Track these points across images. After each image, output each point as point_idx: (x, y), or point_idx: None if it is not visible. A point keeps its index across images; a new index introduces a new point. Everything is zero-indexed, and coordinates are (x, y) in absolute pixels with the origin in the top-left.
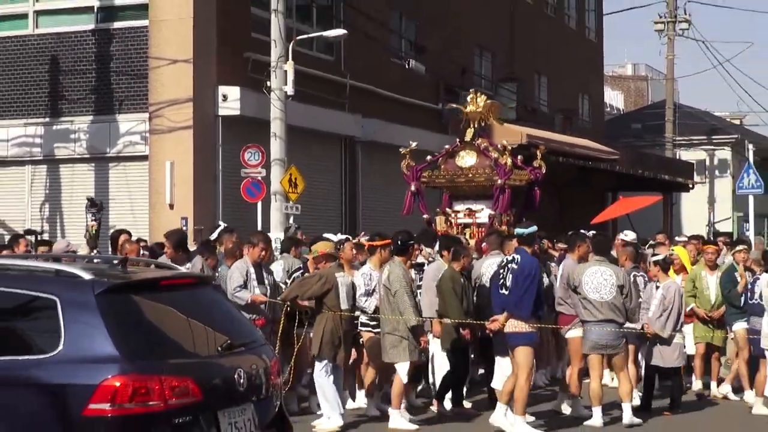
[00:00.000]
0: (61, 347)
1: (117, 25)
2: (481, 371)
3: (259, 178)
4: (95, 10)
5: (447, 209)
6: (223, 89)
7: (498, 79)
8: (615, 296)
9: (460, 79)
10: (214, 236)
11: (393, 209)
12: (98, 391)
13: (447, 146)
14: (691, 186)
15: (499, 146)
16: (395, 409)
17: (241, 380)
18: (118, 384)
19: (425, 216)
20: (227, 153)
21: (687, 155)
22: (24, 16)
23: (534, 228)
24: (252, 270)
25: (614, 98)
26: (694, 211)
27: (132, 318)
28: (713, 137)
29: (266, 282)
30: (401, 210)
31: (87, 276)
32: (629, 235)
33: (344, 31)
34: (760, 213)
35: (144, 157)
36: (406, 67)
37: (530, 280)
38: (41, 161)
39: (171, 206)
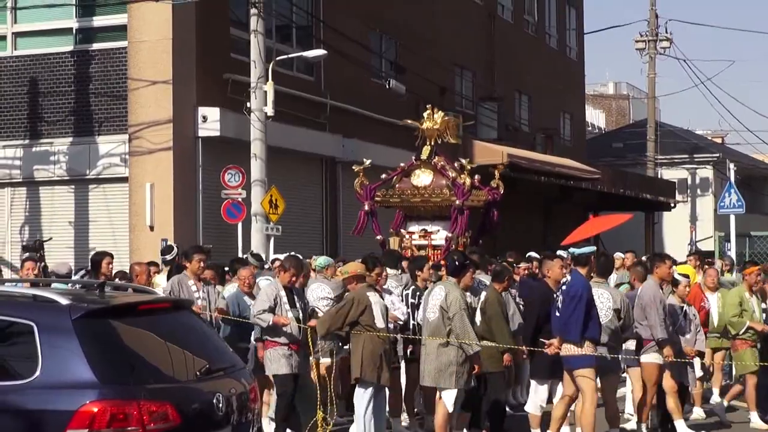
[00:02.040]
0: (38, 373)
1: (96, 46)
2: None
3: (240, 199)
4: (74, 31)
5: (401, 230)
6: (202, 110)
7: (478, 98)
8: (610, 319)
9: (440, 99)
10: (168, 258)
11: (381, 225)
12: (76, 416)
13: (402, 164)
14: (672, 205)
15: (456, 165)
16: None
17: (220, 404)
18: (96, 409)
19: (378, 237)
20: (207, 174)
21: (669, 174)
22: (2, 37)
23: (591, 249)
24: (283, 293)
25: (596, 117)
26: (676, 229)
27: (110, 343)
28: (695, 156)
29: (298, 306)
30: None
31: (64, 301)
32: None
33: (324, 52)
34: (741, 232)
35: (124, 179)
36: (387, 87)
37: (576, 301)
38: (20, 183)
39: (151, 228)
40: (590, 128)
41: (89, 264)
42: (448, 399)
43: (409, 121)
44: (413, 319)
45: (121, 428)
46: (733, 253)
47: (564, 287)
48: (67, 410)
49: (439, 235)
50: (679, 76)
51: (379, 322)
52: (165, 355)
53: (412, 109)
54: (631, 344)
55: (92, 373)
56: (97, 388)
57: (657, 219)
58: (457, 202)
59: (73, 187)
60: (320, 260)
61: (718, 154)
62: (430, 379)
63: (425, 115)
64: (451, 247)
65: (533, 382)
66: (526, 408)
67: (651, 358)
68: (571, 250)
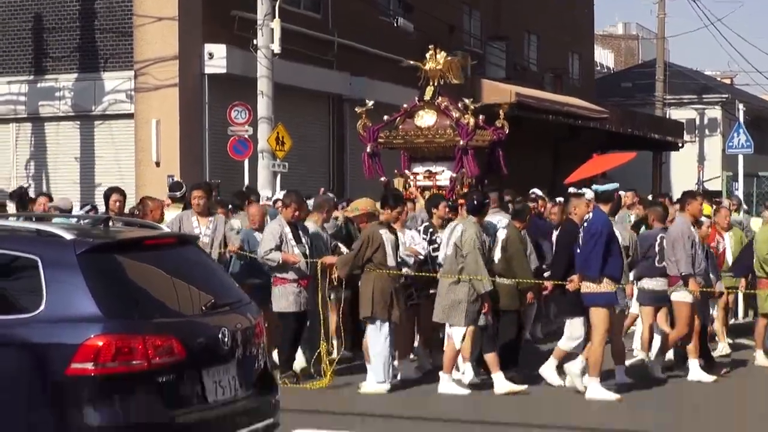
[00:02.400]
0: (43, 307)
1: None
2: None
3: (246, 136)
4: None
5: (406, 171)
6: (209, 47)
7: (487, 37)
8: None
9: (448, 38)
10: (178, 194)
11: (386, 167)
12: (81, 350)
13: (405, 105)
14: (680, 145)
15: (460, 105)
16: (446, 373)
17: (226, 339)
18: (101, 343)
19: (383, 178)
20: (214, 111)
21: (677, 114)
22: None
23: (614, 185)
24: (288, 230)
25: (605, 57)
26: (684, 169)
27: (115, 277)
28: (704, 96)
29: (303, 241)
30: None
31: (68, 236)
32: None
33: None
34: (749, 172)
35: (129, 115)
36: (395, 25)
37: (596, 238)
38: (26, 119)
39: (157, 164)
40: (599, 68)
41: (102, 199)
42: (456, 335)
43: (411, 62)
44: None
45: (126, 362)
46: (740, 193)
47: (585, 224)
48: (72, 344)
49: (444, 175)
50: (689, 17)
51: (390, 261)
52: (170, 290)
53: (420, 47)
54: (646, 282)
55: (97, 308)
56: (102, 322)
57: (665, 159)
58: (461, 142)
59: (78, 123)
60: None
61: (726, 95)
62: (440, 315)
63: (428, 55)
64: (455, 187)
65: (567, 321)
66: (559, 344)
67: (681, 296)
68: (594, 187)
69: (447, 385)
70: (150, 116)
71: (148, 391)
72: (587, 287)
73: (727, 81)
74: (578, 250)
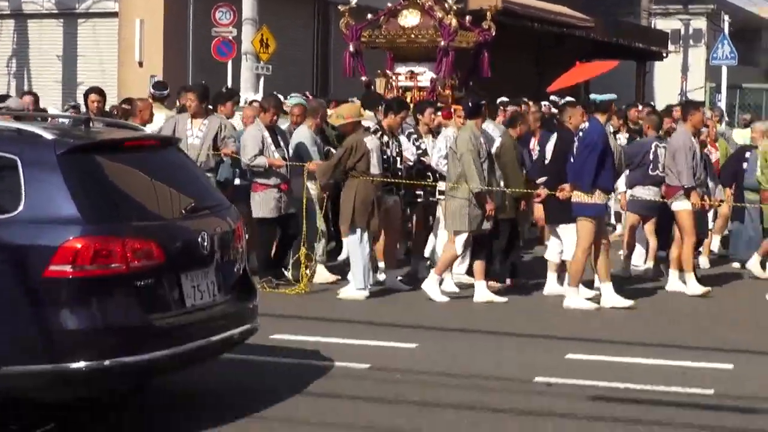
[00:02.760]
0: (21, 207)
1: None
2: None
3: (230, 37)
4: None
5: (387, 71)
6: None
7: None
8: None
9: None
10: (164, 94)
11: (369, 67)
12: (59, 252)
13: (389, 4)
14: (664, 55)
15: (445, 5)
16: (436, 274)
17: (205, 243)
18: (79, 246)
19: (364, 78)
20: (198, 11)
21: (662, 24)
22: None
23: (611, 96)
24: (267, 135)
25: None
26: (667, 80)
27: (95, 179)
28: (689, 6)
29: (282, 145)
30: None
31: (49, 136)
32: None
33: None
34: (732, 84)
35: (113, 14)
36: None
37: (589, 149)
38: (8, 15)
39: (140, 64)
40: None
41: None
42: (458, 241)
43: None
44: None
45: (105, 265)
46: (723, 105)
47: (581, 134)
48: (51, 246)
49: (425, 76)
50: None
51: (375, 169)
52: (150, 193)
53: None
54: (638, 190)
55: (76, 209)
56: (81, 224)
57: (649, 68)
58: (442, 42)
59: (61, 20)
60: (293, 100)
61: (712, 5)
62: (444, 222)
63: None
64: (436, 88)
65: (561, 228)
66: (545, 255)
67: (683, 204)
68: (592, 96)
69: (431, 286)
70: (134, 15)
71: (127, 294)
72: (578, 197)
73: None
74: (572, 160)
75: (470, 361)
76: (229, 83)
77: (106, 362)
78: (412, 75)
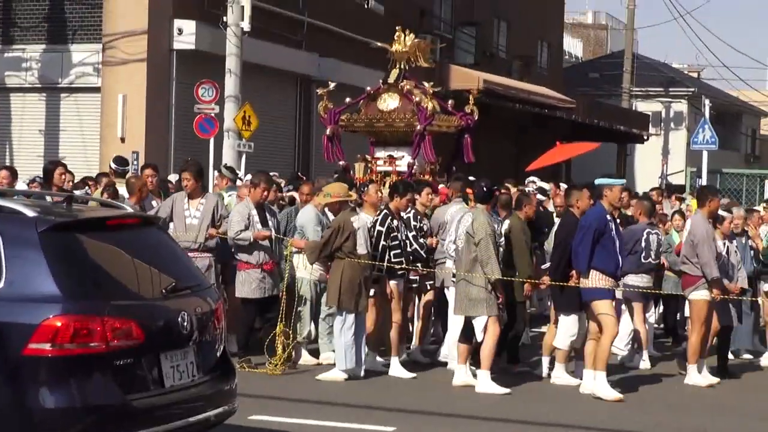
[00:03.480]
0: (1, 284)
1: None
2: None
3: (213, 114)
4: None
5: (367, 156)
6: (178, 23)
7: (457, 22)
8: None
9: (419, 21)
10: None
11: (348, 151)
12: (39, 330)
13: (368, 88)
14: (645, 137)
15: (424, 88)
16: (485, 370)
17: (185, 323)
18: (59, 324)
19: (342, 162)
20: (181, 88)
21: (643, 106)
22: None
23: (617, 181)
24: (254, 212)
25: (573, 46)
26: (648, 162)
27: (76, 257)
28: (670, 89)
29: (270, 224)
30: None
31: (30, 213)
32: (537, 182)
33: None
34: (712, 169)
35: (96, 89)
36: (365, 6)
37: (583, 231)
38: None
39: (122, 139)
40: (567, 57)
41: (42, 173)
42: (478, 326)
43: (379, 44)
44: (410, 245)
45: (84, 344)
46: None
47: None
48: (30, 323)
49: (404, 161)
50: (658, 9)
51: (361, 248)
52: (131, 272)
53: (391, 30)
54: (631, 279)
55: (57, 287)
56: (61, 302)
57: (629, 151)
58: (418, 126)
59: (44, 95)
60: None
61: (693, 89)
62: (461, 308)
63: (395, 37)
64: (413, 173)
65: (561, 317)
66: (555, 343)
67: (700, 294)
68: (597, 181)
69: (491, 385)
70: (117, 90)
71: (105, 373)
72: (584, 283)
73: (695, 74)
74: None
75: None
76: (211, 161)
77: None
78: (391, 159)
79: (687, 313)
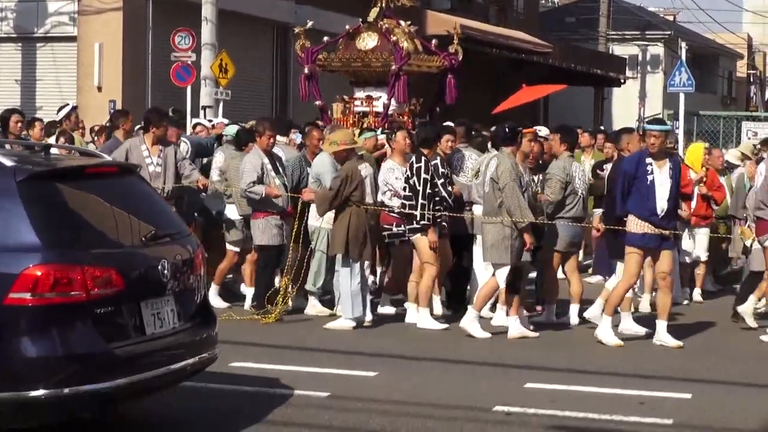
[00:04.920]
0: None
1: None
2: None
3: (189, 62)
4: None
5: (345, 96)
6: None
7: None
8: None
9: None
10: (60, 116)
11: (329, 92)
12: (19, 279)
13: (348, 27)
14: (622, 81)
15: (403, 28)
16: (475, 310)
17: (165, 271)
18: (39, 273)
19: (318, 102)
20: (157, 36)
21: (620, 50)
22: None
23: (662, 127)
24: (266, 160)
25: None
26: (625, 106)
27: (55, 207)
28: (646, 33)
29: (282, 171)
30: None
31: (8, 162)
32: (543, 130)
33: None
34: (690, 111)
35: (72, 38)
36: None
37: (620, 177)
38: None
39: (99, 88)
40: (543, 2)
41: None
42: (501, 275)
43: None
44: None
45: (65, 292)
46: (681, 132)
47: None
48: (10, 273)
49: (381, 101)
50: None
51: (368, 197)
52: (111, 220)
53: None
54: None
55: (36, 237)
56: (41, 251)
57: (607, 95)
58: (393, 66)
59: (20, 44)
60: (230, 129)
61: (669, 32)
62: (484, 254)
63: None
64: (389, 114)
65: (617, 264)
66: (607, 284)
67: None
68: (646, 126)
69: (473, 324)
70: (93, 39)
71: (86, 322)
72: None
73: (670, 18)
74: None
75: (430, 390)
76: (189, 108)
77: (66, 390)
78: (369, 100)
79: (754, 265)
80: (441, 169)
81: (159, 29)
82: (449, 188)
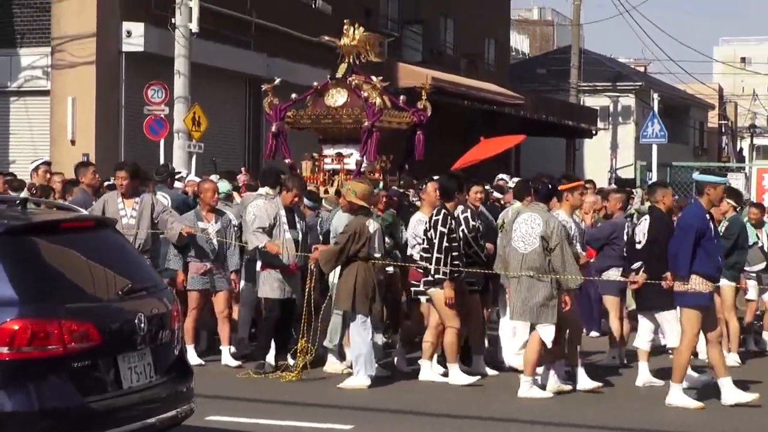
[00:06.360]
0: None
1: None
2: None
3: (162, 115)
4: None
5: (315, 154)
6: (127, 25)
7: (404, 21)
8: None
9: (365, 21)
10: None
11: (297, 150)
12: None
13: (316, 83)
14: (594, 132)
15: (373, 84)
16: (528, 377)
17: (142, 324)
18: (16, 327)
19: (288, 160)
20: (130, 90)
21: (591, 101)
22: None
23: (715, 179)
24: (283, 213)
25: (520, 42)
26: (597, 157)
27: (31, 260)
28: (617, 84)
29: (298, 227)
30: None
31: None
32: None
33: None
34: (662, 162)
35: (46, 92)
36: (313, 6)
37: (684, 232)
38: None
39: (72, 142)
40: (514, 54)
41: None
42: (548, 335)
43: (327, 38)
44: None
45: (42, 346)
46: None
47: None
48: None
49: (353, 158)
50: (604, 3)
51: (376, 253)
52: (87, 274)
53: (338, 29)
54: (614, 273)
55: (13, 291)
56: (18, 305)
57: (578, 146)
58: (366, 123)
59: None
60: (222, 186)
61: (640, 83)
62: (524, 314)
63: (344, 30)
64: (362, 171)
65: (639, 317)
66: (635, 343)
67: None
68: (698, 176)
69: (533, 390)
70: (66, 93)
71: (63, 376)
72: (678, 286)
73: (641, 69)
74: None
75: None
76: (162, 162)
77: None
78: (339, 157)
79: None
80: (472, 222)
81: (132, 82)
82: (481, 242)
